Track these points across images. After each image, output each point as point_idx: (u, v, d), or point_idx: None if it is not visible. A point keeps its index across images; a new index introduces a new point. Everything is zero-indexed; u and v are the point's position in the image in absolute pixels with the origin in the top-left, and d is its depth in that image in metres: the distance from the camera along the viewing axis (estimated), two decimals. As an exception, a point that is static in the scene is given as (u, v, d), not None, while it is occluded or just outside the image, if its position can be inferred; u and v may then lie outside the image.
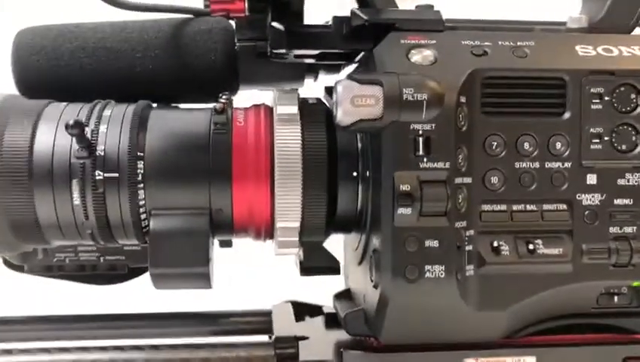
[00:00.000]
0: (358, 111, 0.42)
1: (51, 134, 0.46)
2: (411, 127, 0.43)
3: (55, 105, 0.49)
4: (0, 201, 0.45)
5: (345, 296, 0.56)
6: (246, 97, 0.54)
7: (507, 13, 0.53)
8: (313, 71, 0.56)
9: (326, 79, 0.57)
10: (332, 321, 0.57)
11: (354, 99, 0.42)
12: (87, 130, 0.45)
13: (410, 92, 0.42)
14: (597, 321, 0.48)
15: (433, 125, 0.43)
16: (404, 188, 0.43)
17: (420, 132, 0.43)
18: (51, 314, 0.57)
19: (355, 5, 0.49)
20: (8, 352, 0.50)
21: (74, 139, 0.45)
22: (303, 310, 0.60)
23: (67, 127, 0.43)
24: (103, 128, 0.46)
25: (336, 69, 0.56)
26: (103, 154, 0.45)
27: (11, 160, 0.45)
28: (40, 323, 0.56)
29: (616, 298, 0.48)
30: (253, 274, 0.76)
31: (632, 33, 0.51)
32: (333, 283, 0.56)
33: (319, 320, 0.58)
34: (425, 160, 0.43)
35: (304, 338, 0.51)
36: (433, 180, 0.43)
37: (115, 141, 0.46)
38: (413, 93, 0.42)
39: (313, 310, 0.60)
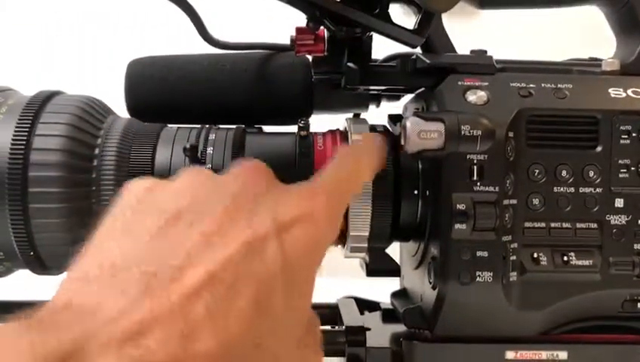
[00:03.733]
0: (424, 143, 0.49)
1: (168, 155, 0.54)
2: (467, 157, 0.49)
3: (168, 129, 0.57)
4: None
5: (401, 294, 0.63)
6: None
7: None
8: (376, 99, 0.63)
9: (387, 105, 0.66)
10: (388, 316, 0.63)
11: (420, 133, 0.49)
12: (198, 152, 0.54)
13: (467, 128, 0.48)
14: (622, 324, 0.53)
15: (486, 156, 0.49)
16: (461, 207, 0.49)
17: (475, 161, 0.49)
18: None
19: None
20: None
21: (187, 159, 0.54)
22: (362, 305, 0.66)
23: (185, 150, 0.52)
24: (209, 150, 0.54)
25: (396, 97, 0.65)
26: None
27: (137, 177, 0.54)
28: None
29: (639, 304, 0.52)
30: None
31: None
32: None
33: (377, 314, 0.65)
34: (478, 184, 0.49)
35: (368, 329, 0.59)
36: (485, 201, 0.49)
37: (220, 161, 0.53)
38: (469, 129, 0.48)
39: (371, 305, 0.67)
